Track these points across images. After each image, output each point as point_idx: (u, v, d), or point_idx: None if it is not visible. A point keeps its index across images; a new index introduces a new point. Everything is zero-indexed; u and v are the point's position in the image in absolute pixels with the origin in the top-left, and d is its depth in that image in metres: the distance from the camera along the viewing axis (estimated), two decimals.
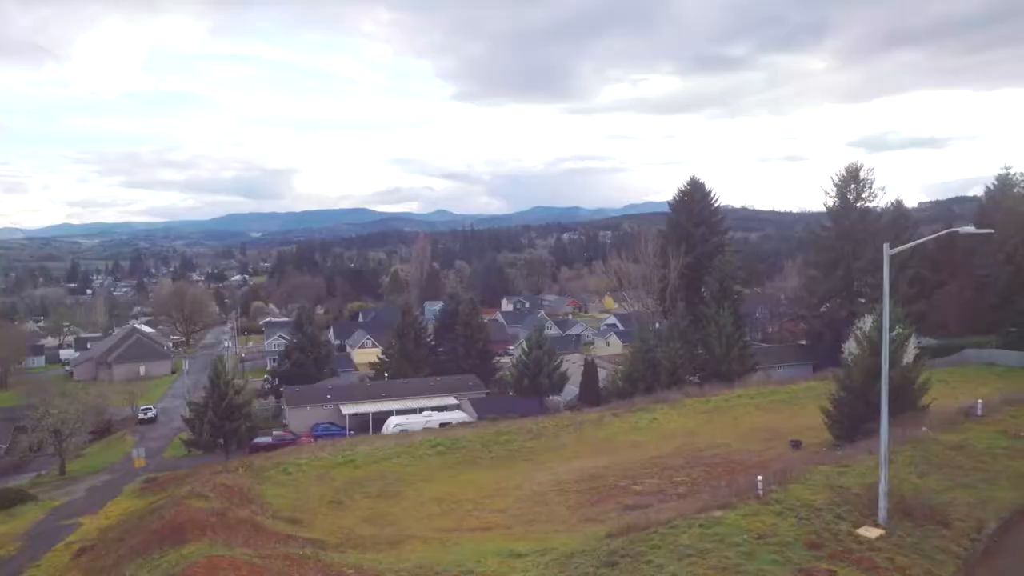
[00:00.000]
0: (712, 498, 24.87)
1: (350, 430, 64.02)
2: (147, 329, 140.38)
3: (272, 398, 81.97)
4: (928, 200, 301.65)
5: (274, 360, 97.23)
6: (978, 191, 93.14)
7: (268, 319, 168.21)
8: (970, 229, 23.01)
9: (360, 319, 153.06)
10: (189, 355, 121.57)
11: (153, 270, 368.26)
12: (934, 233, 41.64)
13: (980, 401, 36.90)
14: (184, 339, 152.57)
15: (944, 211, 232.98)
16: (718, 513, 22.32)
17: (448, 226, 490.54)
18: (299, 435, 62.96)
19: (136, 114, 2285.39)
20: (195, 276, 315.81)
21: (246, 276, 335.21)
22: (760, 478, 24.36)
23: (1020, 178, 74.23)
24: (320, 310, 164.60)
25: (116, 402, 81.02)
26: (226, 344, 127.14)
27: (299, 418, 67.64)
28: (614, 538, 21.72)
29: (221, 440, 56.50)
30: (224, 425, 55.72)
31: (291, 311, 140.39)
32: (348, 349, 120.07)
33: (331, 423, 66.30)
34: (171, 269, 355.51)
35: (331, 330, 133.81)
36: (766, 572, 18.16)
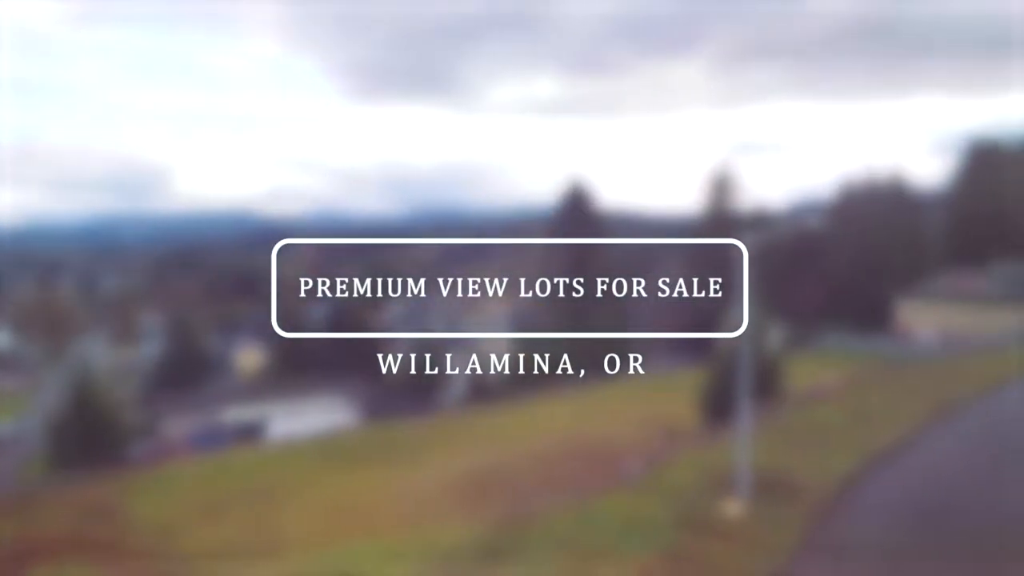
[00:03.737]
0: (589, 486, 25.73)
1: (232, 436, 61.63)
2: (3, 340, 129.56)
3: (148, 407, 77.63)
4: (789, 201, 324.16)
5: (151, 367, 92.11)
6: (829, 194, 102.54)
7: (145, 325, 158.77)
8: (816, 223, 24.87)
9: (244, 322, 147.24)
10: (54, 366, 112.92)
11: (12, 276, 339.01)
12: (790, 229, 44.82)
13: (830, 382, 40.37)
14: (49, 350, 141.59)
15: (802, 211, 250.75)
16: (594, 500, 23.11)
17: (336, 225, 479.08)
18: (176, 444, 60.00)
19: None
20: (62, 282, 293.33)
21: (120, 281, 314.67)
22: (634, 463, 25.42)
23: (861, 183, 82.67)
24: (201, 314, 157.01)
25: None
26: (96, 353, 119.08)
27: (177, 427, 64.49)
28: (494, 532, 22.03)
29: (87, 455, 52.90)
30: (91, 438, 52.23)
31: (170, 316, 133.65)
32: (231, 353, 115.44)
33: (211, 430, 63.57)
34: (33, 275, 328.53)
35: (213, 335, 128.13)
36: (638, 554, 18.98)
